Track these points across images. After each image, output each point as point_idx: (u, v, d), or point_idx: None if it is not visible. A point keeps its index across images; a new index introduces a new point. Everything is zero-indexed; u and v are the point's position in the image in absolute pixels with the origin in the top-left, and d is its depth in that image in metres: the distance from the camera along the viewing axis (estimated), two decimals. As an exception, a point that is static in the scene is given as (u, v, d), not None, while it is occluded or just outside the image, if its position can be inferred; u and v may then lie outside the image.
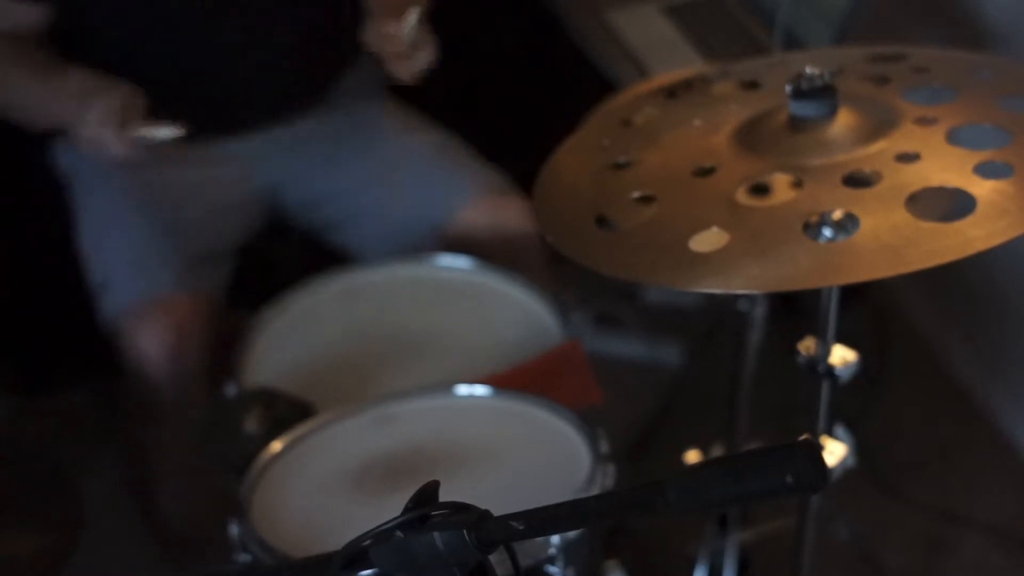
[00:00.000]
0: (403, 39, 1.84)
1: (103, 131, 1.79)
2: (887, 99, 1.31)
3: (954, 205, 1.14)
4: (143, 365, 1.88)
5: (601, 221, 1.24)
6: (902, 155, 1.20)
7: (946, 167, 1.19)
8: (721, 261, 1.13)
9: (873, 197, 1.16)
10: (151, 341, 1.86)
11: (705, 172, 1.25)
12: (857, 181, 1.19)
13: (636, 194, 1.25)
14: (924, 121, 1.26)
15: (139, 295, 1.90)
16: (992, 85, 1.34)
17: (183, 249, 1.95)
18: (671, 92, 1.45)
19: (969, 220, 1.11)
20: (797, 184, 1.21)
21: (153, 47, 1.89)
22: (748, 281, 1.13)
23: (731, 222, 1.17)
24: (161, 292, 1.90)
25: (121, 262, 1.95)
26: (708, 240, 1.16)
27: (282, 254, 2.26)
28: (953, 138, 1.22)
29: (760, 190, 1.29)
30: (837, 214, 1.19)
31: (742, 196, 1.21)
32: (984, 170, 1.17)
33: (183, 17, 1.87)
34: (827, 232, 1.20)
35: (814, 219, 1.17)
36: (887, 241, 1.10)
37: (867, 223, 1.13)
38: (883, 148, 1.22)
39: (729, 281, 1.13)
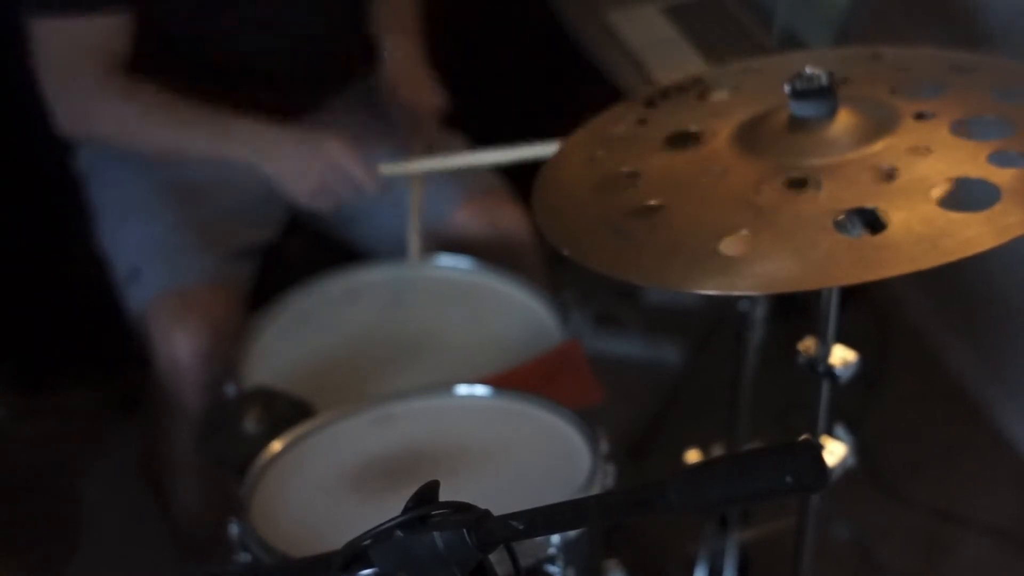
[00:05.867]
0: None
1: (347, 167, 1.80)
2: (877, 96, 1.31)
3: (977, 195, 1.14)
4: (173, 364, 1.84)
5: (619, 231, 1.23)
6: (913, 149, 1.20)
7: (960, 160, 1.19)
8: (754, 263, 1.13)
9: (896, 192, 1.16)
10: (183, 339, 1.82)
11: (715, 176, 1.25)
12: (876, 177, 1.18)
13: (652, 202, 1.24)
14: (923, 116, 1.26)
15: (172, 285, 1.86)
16: (977, 79, 1.34)
17: (214, 244, 1.93)
18: (649, 102, 1.45)
19: (998, 208, 1.11)
20: (815, 183, 1.20)
21: (185, 41, 1.90)
22: (787, 281, 1.12)
23: (758, 224, 1.16)
24: (195, 284, 1.86)
25: (151, 252, 1.92)
26: (738, 243, 1.15)
27: (285, 255, 2.26)
28: (958, 131, 1.23)
29: (782, 189, 1.27)
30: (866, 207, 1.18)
31: (762, 198, 1.20)
32: (998, 160, 1.17)
33: (207, 19, 1.87)
34: (859, 228, 1.18)
35: (842, 216, 1.16)
36: (921, 233, 1.10)
37: (897, 216, 1.12)
38: (892, 144, 1.22)
39: (766, 282, 1.12)
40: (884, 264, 1.09)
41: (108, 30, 1.83)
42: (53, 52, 1.83)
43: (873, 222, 1.15)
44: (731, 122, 1.33)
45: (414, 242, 1.88)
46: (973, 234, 1.09)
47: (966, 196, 1.15)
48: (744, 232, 1.15)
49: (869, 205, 1.15)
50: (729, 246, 1.14)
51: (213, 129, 1.84)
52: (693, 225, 1.19)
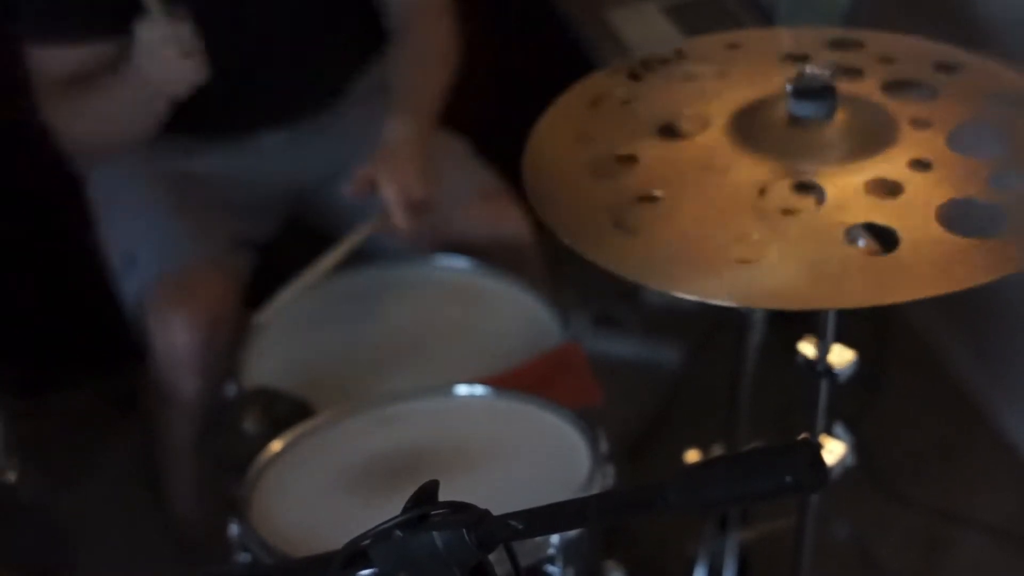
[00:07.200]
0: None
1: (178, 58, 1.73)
2: (868, 93, 1.31)
3: (981, 216, 1.14)
4: (169, 349, 1.82)
5: (621, 224, 1.21)
6: (915, 162, 1.20)
7: (962, 180, 1.18)
8: (766, 275, 1.12)
9: (902, 209, 1.15)
10: (180, 323, 1.80)
11: (717, 173, 1.24)
12: (881, 191, 1.18)
13: (657, 192, 1.23)
14: (919, 124, 1.26)
15: (168, 270, 1.85)
16: (966, 80, 1.34)
17: (210, 232, 1.92)
18: (633, 74, 1.44)
19: (1006, 234, 1.11)
20: (820, 191, 1.19)
21: None
22: (799, 298, 1.12)
23: (766, 231, 1.15)
24: (192, 269, 1.85)
25: (147, 237, 1.90)
26: (748, 252, 1.14)
27: (285, 255, 2.26)
28: (955, 143, 1.23)
29: (788, 195, 1.27)
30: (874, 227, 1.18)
31: (769, 203, 1.19)
32: (1000, 181, 1.17)
33: (210, 19, 1.87)
34: (864, 237, 1.18)
35: (852, 232, 1.15)
36: (932, 257, 1.10)
37: (906, 238, 1.12)
38: (893, 155, 1.22)
39: (777, 297, 1.12)
40: (900, 289, 1.09)
41: (101, 56, 1.81)
42: (45, 79, 1.82)
43: (881, 232, 1.14)
44: (722, 106, 1.32)
45: (331, 260, 1.83)
46: (985, 262, 1.09)
47: (967, 221, 1.14)
48: (756, 237, 1.15)
49: (878, 221, 1.15)
50: (739, 254, 1.14)
51: (121, 79, 1.79)
52: (699, 226, 1.18)
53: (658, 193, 1.23)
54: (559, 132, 1.37)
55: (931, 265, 1.09)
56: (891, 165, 1.21)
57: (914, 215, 1.14)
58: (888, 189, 1.18)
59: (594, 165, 1.30)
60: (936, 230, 1.13)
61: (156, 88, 1.79)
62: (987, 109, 1.29)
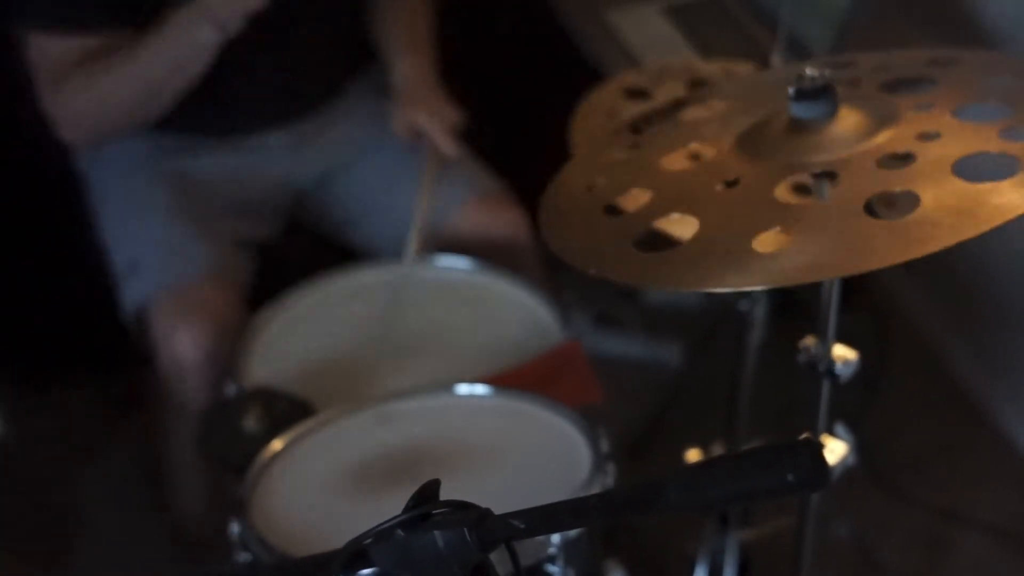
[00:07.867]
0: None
1: None
2: (870, 94, 1.31)
3: (993, 170, 1.14)
4: (176, 362, 1.82)
5: (642, 245, 1.22)
6: (922, 135, 1.20)
7: (971, 140, 1.19)
8: (794, 255, 1.12)
9: (918, 173, 1.15)
10: (186, 337, 1.80)
11: (731, 184, 1.24)
12: (894, 162, 1.18)
13: (675, 215, 1.23)
14: (922, 107, 1.26)
15: (172, 280, 1.84)
16: (962, 72, 1.35)
17: (213, 235, 1.92)
18: (635, 128, 1.45)
19: (1020, 177, 1.11)
20: (834, 176, 1.20)
21: None
22: (832, 267, 1.12)
23: (788, 219, 1.15)
24: (196, 278, 1.84)
25: (150, 244, 1.90)
26: (773, 239, 1.14)
27: (285, 255, 2.27)
28: (961, 115, 1.23)
29: (802, 185, 1.27)
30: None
31: (785, 195, 1.19)
32: (1010, 135, 1.17)
33: None
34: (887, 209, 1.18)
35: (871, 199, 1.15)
36: (956, 206, 1.10)
37: (927, 195, 1.12)
38: (900, 133, 1.22)
39: (810, 270, 1.11)
40: (927, 240, 1.08)
41: (104, 47, 1.81)
42: (49, 66, 1.81)
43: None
44: (727, 134, 1.32)
45: (414, 242, 1.88)
46: (1006, 200, 1.09)
47: (982, 173, 1.14)
48: (777, 229, 1.15)
49: (896, 189, 1.15)
50: (765, 243, 1.14)
51: (159, 34, 1.79)
52: (722, 231, 1.18)
53: (676, 216, 1.23)
54: (572, 186, 1.37)
55: (955, 214, 1.09)
56: (900, 141, 1.21)
57: (930, 176, 1.15)
58: (900, 160, 1.18)
59: (609, 204, 1.30)
60: (954, 182, 1.13)
61: (212, 14, 1.75)
62: (988, 89, 1.29)
